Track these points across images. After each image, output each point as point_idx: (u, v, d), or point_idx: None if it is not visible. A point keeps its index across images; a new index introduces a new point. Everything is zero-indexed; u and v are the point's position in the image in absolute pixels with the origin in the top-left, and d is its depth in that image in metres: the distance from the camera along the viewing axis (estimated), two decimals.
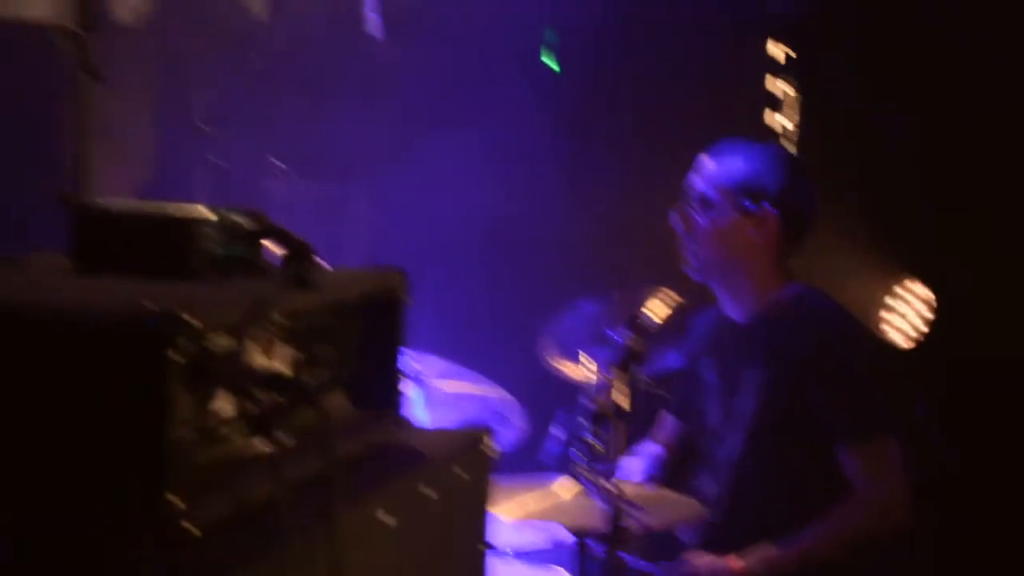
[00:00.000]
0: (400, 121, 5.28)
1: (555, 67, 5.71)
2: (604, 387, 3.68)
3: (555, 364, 4.04)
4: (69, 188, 2.54)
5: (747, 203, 4.17)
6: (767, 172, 4.19)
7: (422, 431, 2.40)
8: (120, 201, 2.10)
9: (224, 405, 1.80)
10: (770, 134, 5.49)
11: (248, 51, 5.18)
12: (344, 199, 5.26)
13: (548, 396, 3.93)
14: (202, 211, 2.02)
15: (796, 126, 5.50)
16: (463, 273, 5.34)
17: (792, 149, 5.40)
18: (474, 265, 5.45)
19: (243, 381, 1.82)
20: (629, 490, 3.65)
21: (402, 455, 2.19)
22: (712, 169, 4.20)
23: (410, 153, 5.25)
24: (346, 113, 5.22)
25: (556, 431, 3.77)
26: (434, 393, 4.26)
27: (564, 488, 3.72)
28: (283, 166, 5.08)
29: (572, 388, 3.83)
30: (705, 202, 4.18)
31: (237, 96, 5.05)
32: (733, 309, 4.26)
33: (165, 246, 1.98)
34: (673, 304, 3.96)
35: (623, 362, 3.69)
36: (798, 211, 4.22)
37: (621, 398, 3.64)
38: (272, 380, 1.85)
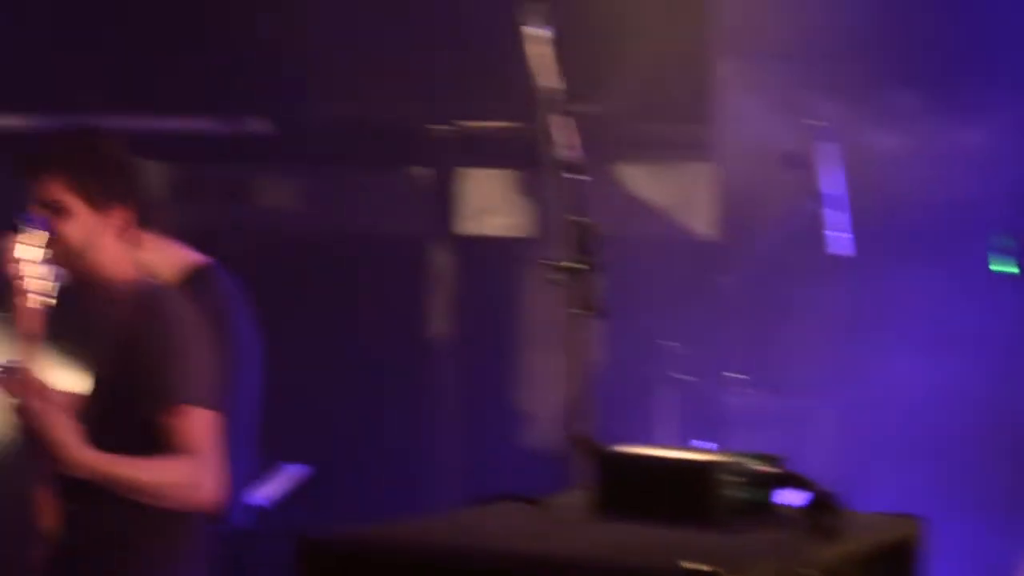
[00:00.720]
0: (852, 332, 5.22)
1: (1014, 270, 5.54)
2: None
3: None
4: (575, 426, 2.60)
5: None
6: None
7: None
8: (636, 447, 2.13)
9: None
10: None
11: (703, 267, 5.25)
12: (804, 413, 5.21)
13: None
14: (720, 456, 2.02)
15: None
16: (922, 488, 5.18)
17: None
18: (927, 475, 5.28)
19: None
20: None
21: None
22: None
23: (870, 366, 5.17)
24: (803, 326, 5.21)
25: None
26: None
27: None
28: (743, 377, 5.08)
29: None
30: None
31: (697, 311, 5.11)
32: None
33: (686, 492, 1.99)
34: None
35: None
36: None
37: None
38: None
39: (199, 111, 5.42)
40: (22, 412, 3.41)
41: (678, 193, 5.56)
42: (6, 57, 5.41)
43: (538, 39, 3.12)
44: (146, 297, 3.49)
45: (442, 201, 5.75)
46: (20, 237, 3.44)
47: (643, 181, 5.56)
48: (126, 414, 3.46)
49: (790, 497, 2.04)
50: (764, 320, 5.27)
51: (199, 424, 3.42)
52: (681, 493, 2.00)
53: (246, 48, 5.42)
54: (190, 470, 3.41)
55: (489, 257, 5.79)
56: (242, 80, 5.41)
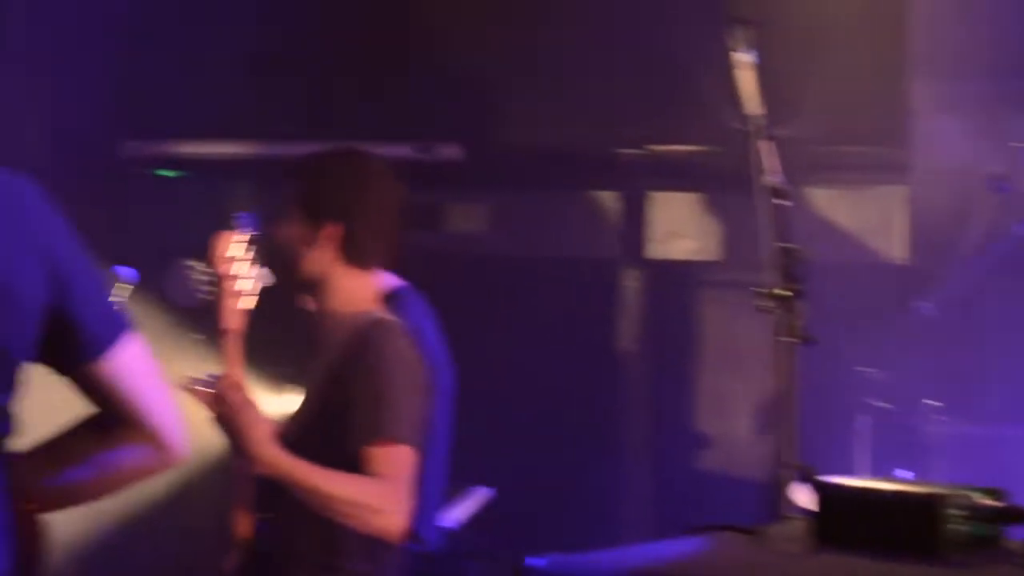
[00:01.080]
0: None
1: None
2: None
3: None
4: (785, 454, 2.57)
5: None
6: None
7: None
8: (854, 478, 2.10)
9: None
10: None
11: (899, 292, 5.18)
12: (1003, 441, 5.09)
13: None
14: (944, 489, 1.99)
15: None
16: None
17: None
18: None
19: None
20: None
21: None
22: None
23: None
24: (1002, 351, 5.10)
25: None
26: None
27: None
28: (940, 404, 4.99)
29: None
30: None
31: (894, 336, 5.04)
32: None
33: (910, 525, 1.96)
34: None
35: None
36: None
37: None
38: None
39: (391, 138, 5.48)
40: (219, 408, 3.45)
41: (873, 217, 5.49)
42: (213, 88, 5.53)
43: (744, 64, 3.11)
44: (367, 329, 3.54)
45: (632, 225, 5.74)
46: (232, 236, 3.53)
47: (838, 205, 5.50)
48: (328, 438, 3.50)
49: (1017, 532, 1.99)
50: (962, 346, 5.17)
51: (398, 458, 3.44)
52: (905, 526, 1.97)
53: (436, 75, 5.47)
54: (380, 495, 3.43)
55: (678, 281, 5.77)
56: (433, 107, 5.46)
